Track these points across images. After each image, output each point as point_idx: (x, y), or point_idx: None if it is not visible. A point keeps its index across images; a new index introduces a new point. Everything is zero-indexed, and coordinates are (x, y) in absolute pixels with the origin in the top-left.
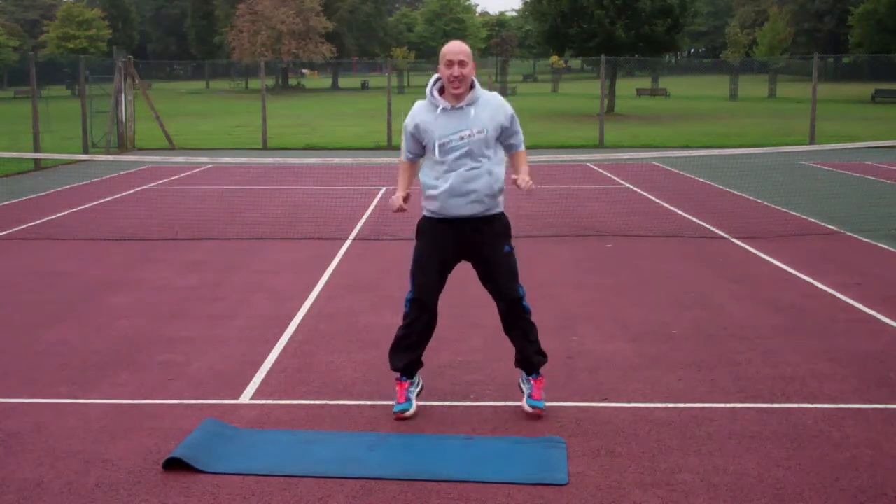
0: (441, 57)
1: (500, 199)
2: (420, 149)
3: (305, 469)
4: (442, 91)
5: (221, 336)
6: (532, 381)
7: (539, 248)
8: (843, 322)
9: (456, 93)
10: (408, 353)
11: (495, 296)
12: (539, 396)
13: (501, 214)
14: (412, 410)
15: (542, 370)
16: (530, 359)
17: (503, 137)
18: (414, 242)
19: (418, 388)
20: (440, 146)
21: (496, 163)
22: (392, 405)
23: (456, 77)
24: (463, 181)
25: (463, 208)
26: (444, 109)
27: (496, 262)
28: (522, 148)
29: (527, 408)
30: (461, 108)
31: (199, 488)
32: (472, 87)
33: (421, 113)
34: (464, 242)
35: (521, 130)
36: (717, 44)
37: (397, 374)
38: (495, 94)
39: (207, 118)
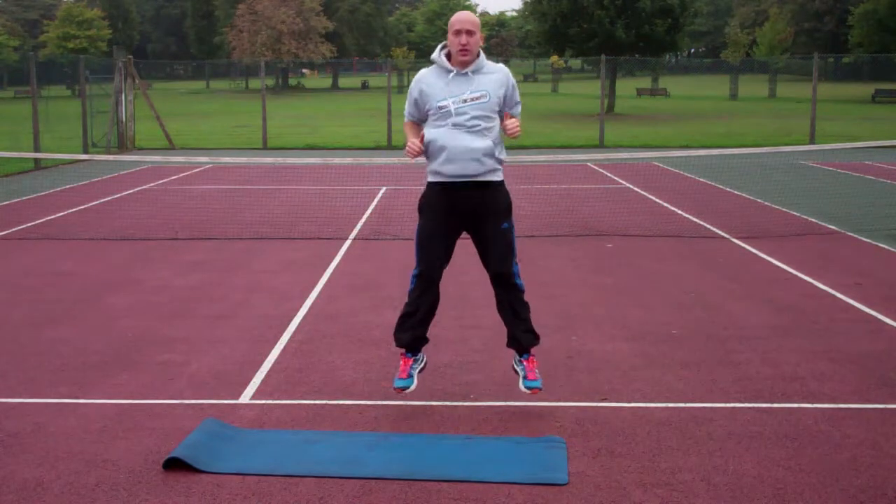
0: (450, 26)
1: (500, 167)
2: (422, 114)
3: (305, 469)
4: (449, 58)
5: (221, 336)
6: (524, 362)
7: (539, 248)
8: (843, 322)
9: (463, 59)
10: (414, 329)
11: (490, 270)
12: (534, 377)
13: (502, 185)
14: (413, 387)
15: (534, 351)
16: (519, 338)
17: (505, 104)
18: (417, 221)
19: (422, 365)
20: (439, 108)
21: (495, 131)
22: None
23: (464, 45)
24: (462, 139)
25: (463, 167)
26: (451, 74)
27: (493, 237)
28: (517, 114)
29: (524, 389)
30: (466, 73)
31: (199, 488)
32: (478, 55)
33: (427, 77)
34: (464, 213)
35: (520, 101)
36: (717, 44)
37: (402, 350)
38: (501, 65)
39: (207, 118)
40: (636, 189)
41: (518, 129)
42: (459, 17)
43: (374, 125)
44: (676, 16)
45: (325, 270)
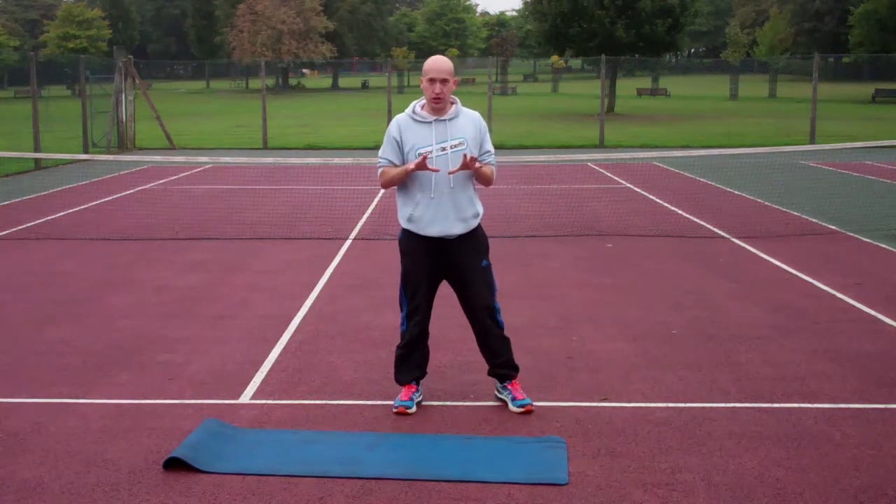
0: (424, 73)
1: (479, 216)
2: (399, 158)
3: (305, 469)
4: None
5: (221, 336)
6: (508, 386)
7: (539, 248)
8: (843, 322)
9: (436, 107)
10: (414, 370)
11: (470, 309)
12: (521, 396)
13: (478, 229)
14: (413, 410)
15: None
16: (497, 372)
17: (479, 151)
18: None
19: (420, 398)
20: (420, 154)
21: (473, 186)
22: (392, 404)
23: (437, 93)
24: (446, 201)
25: (445, 229)
26: (426, 122)
27: (472, 275)
28: (493, 163)
29: (515, 410)
30: (444, 121)
31: (199, 488)
32: (453, 103)
33: (406, 121)
34: (443, 259)
35: (493, 150)
36: (717, 44)
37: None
38: (475, 112)
39: (208, 118)
40: (636, 189)
41: (477, 166)
42: (434, 67)
43: (374, 125)
44: (676, 16)
45: (325, 270)
